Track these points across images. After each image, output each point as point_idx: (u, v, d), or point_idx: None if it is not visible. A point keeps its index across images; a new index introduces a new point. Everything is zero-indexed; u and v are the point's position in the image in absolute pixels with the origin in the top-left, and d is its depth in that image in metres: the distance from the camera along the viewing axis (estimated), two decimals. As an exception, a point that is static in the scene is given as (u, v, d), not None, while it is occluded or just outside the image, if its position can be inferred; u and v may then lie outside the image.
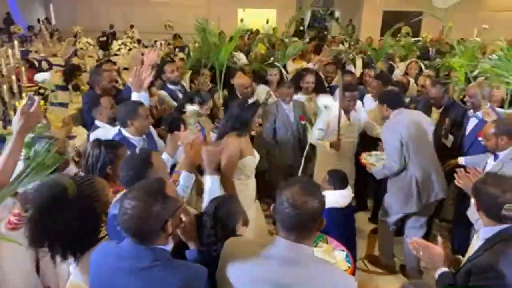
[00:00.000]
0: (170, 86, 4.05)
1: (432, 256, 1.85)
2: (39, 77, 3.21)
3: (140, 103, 2.81)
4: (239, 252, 1.53)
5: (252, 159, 2.82)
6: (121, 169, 1.85)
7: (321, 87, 4.54)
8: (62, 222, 1.72)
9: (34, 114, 1.90)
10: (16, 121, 1.86)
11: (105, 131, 2.94)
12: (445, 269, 1.81)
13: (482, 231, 1.79)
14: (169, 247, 1.50)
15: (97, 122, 3.11)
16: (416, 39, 8.59)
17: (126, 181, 1.84)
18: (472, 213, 2.17)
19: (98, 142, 2.33)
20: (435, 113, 3.88)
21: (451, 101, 3.79)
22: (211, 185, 2.14)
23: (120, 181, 1.92)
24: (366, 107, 4.23)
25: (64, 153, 2.45)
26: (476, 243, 1.86)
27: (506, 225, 1.69)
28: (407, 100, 4.20)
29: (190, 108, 3.04)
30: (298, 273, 1.39)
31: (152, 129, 2.98)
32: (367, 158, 3.46)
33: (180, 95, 4.06)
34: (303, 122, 4.01)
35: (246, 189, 2.87)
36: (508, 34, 10.99)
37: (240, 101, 2.86)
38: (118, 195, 1.82)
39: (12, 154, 1.85)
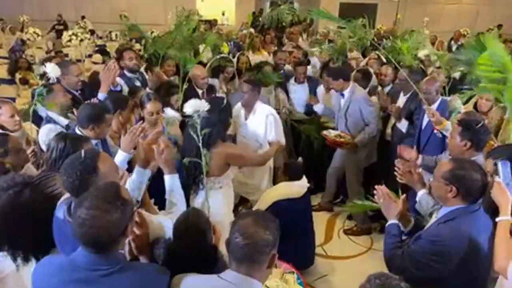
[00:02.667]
0: (128, 74, 3.92)
1: (389, 208, 2.06)
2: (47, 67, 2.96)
3: (107, 110, 2.67)
4: None
5: None
6: (62, 173, 1.60)
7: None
8: (20, 224, 1.65)
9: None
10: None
11: (57, 126, 2.78)
12: (395, 221, 2.04)
13: (442, 210, 1.93)
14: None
15: (50, 113, 2.87)
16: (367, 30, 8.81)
17: (68, 189, 1.61)
18: (421, 206, 2.25)
19: (63, 135, 2.22)
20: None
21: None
22: (173, 186, 2.04)
23: (63, 187, 1.70)
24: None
25: (19, 151, 2.27)
26: (432, 221, 2.02)
27: (461, 205, 1.84)
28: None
29: (170, 113, 2.59)
30: None
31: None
32: (330, 134, 3.84)
33: (138, 84, 3.96)
34: None
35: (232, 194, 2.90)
36: (454, 25, 11.63)
37: (212, 107, 2.53)
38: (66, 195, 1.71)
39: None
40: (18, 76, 6.17)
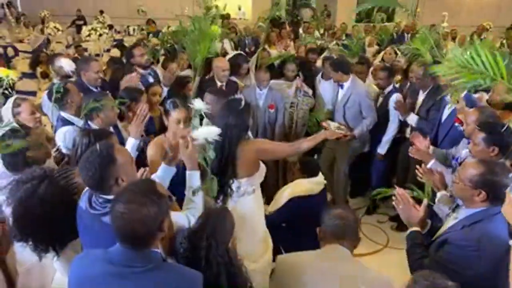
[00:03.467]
0: (141, 71, 3.89)
1: (410, 214, 1.98)
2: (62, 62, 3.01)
3: (104, 94, 2.71)
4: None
5: None
6: (80, 169, 1.63)
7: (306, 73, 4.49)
8: (39, 216, 1.70)
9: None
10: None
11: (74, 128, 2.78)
12: (417, 229, 1.96)
13: (464, 212, 1.87)
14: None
15: (63, 114, 2.84)
16: (389, 23, 8.69)
17: (89, 183, 1.63)
18: (439, 207, 2.20)
19: (87, 131, 2.29)
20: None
21: (436, 84, 3.63)
22: (193, 183, 2.00)
23: (84, 183, 1.70)
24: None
25: (41, 145, 2.29)
26: (450, 222, 1.95)
27: (485, 207, 1.79)
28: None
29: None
30: None
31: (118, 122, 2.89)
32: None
33: (151, 80, 3.96)
34: (271, 110, 4.01)
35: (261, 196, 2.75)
36: (476, 19, 11.32)
37: (229, 109, 2.50)
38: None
39: None
40: (39, 70, 6.31)
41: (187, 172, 2.00)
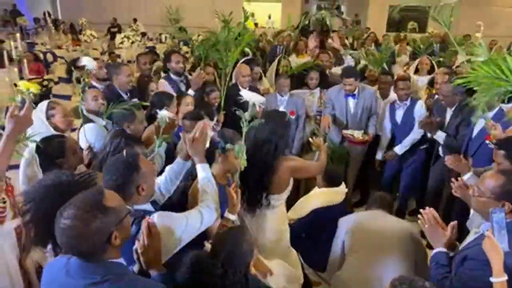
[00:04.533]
0: (174, 77, 4.03)
1: (436, 235, 1.87)
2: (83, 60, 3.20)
3: (138, 107, 2.81)
4: None
5: None
6: (104, 173, 1.67)
7: (325, 83, 4.51)
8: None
9: (24, 118, 1.85)
10: (6, 124, 1.82)
11: (98, 125, 2.89)
12: (444, 250, 1.86)
13: (484, 226, 1.79)
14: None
15: (85, 113, 2.99)
16: (422, 34, 8.49)
17: (110, 188, 1.61)
18: (471, 223, 2.13)
19: (120, 132, 2.38)
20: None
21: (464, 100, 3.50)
22: (205, 174, 1.93)
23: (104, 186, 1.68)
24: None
25: (75, 152, 2.37)
26: (470, 237, 1.89)
27: (508, 220, 1.69)
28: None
29: (163, 113, 2.36)
30: None
31: None
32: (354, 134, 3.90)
33: (183, 87, 4.08)
34: (292, 117, 3.99)
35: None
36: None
37: (275, 119, 2.46)
38: None
39: (1, 157, 1.82)
40: (74, 75, 6.57)
41: (197, 166, 1.94)
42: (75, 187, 1.67)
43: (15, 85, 3.85)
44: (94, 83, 3.80)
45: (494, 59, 1.79)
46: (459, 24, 12.61)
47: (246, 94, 2.11)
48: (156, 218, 1.64)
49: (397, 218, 2.71)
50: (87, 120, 2.93)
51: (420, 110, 3.89)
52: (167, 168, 2.07)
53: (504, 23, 13.20)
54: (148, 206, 1.78)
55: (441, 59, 5.61)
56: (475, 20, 10.16)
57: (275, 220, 2.54)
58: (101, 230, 1.29)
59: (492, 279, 1.54)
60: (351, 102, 4.07)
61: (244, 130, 2.09)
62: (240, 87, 3.97)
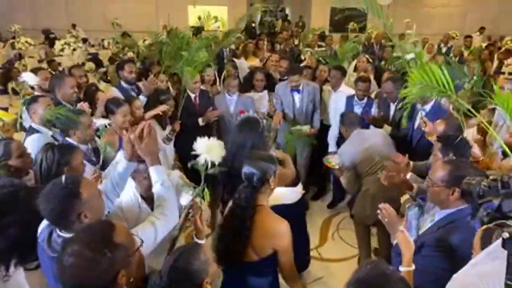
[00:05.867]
0: (125, 85, 4.01)
1: (395, 227, 1.97)
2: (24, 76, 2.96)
3: (80, 112, 2.70)
4: None
5: None
6: (41, 200, 1.50)
7: (271, 84, 4.65)
8: (11, 224, 1.65)
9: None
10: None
11: (43, 136, 2.76)
12: None
13: (438, 214, 1.94)
14: None
15: (33, 125, 2.85)
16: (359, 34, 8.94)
17: (48, 218, 1.52)
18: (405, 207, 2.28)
19: (50, 145, 2.23)
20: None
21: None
22: (158, 177, 1.82)
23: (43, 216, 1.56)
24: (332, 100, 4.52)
25: (23, 155, 2.26)
26: (426, 225, 2.01)
27: (459, 207, 1.86)
28: (372, 95, 4.44)
29: (99, 121, 2.42)
30: None
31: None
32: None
33: (134, 95, 4.01)
34: (242, 115, 4.10)
35: None
36: (445, 28, 11.77)
37: (251, 128, 2.45)
38: None
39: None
40: (10, 86, 6.17)
41: (149, 169, 1.82)
42: (29, 194, 1.59)
43: None
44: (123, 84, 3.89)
45: (424, 68, 2.01)
46: (394, 24, 13.45)
47: (200, 148, 1.84)
48: None
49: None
50: (33, 132, 2.78)
51: (374, 111, 4.14)
52: (110, 170, 1.98)
53: (435, 22, 14.26)
54: None
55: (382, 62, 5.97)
56: (409, 20, 10.91)
57: None
58: (107, 268, 1.18)
59: (401, 268, 1.69)
60: (297, 97, 4.31)
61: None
62: (190, 93, 3.99)
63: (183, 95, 3.92)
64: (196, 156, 1.82)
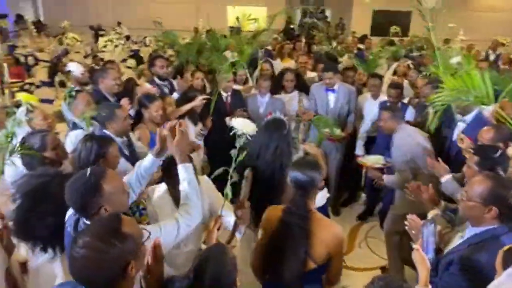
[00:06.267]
0: (158, 81, 4.08)
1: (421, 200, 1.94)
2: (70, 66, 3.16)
3: (117, 106, 2.81)
4: None
5: None
6: (66, 192, 1.56)
7: (302, 86, 4.60)
8: (44, 211, 1.74)
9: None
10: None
11: (85, 132, 2.88)
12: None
13: (469, 231, 1.83)
14: None
15: (75, 120, 3.02)
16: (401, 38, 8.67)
17: (72, 207, 1.59)
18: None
19: (89, 136, 2.34)
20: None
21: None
22: (187, 175, 1.83)
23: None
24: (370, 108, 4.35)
25: (57, 147, 2.39)
26: (456, 241, 1.91)
27: (493, 226, 1.75)
28: (405, 100, 4.29)
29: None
30: None
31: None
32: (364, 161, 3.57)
33: (167, 91, 4.10)
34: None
35: None
36: (493, 33, 11.20)
37: (277, 129, 2.42)
38: None
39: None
40: (57, 79, 6.51)
41: (178, 166, 1.84)
42: (62, 181, 1.66)
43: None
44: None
45: (461, 75, 1.90)
46: (438, 29, 12.94)
47: (237, 124, 1.94)
48: None
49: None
50: (75, 127, 2.92)
51: (410, 116, 3.98)
52: (137, 163, 2.01)
53: (482, 27, 13.57)
54: None
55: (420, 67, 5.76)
56: (454, 24, 10.44)
57: None
58: (117, 260, 1.19)
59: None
60: (331, 96, 4.18)
61: (233, 165, 1.93)
62: (222, 92, 4.03)
63: (215, 93, 3.95)
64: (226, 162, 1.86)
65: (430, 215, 2.15)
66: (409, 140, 3.20)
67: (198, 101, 3.55)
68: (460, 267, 1.71)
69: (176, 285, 1.48)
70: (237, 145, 1.90)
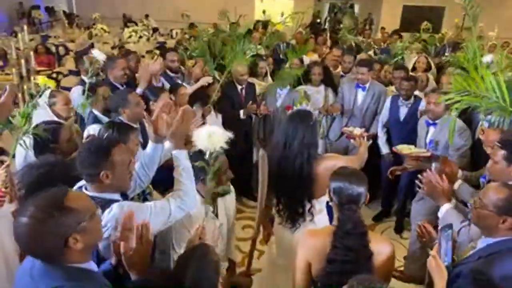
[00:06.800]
0: (170, 74, 4.11)
1: (436, 192, 1.86)
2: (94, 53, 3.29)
3: (129, 91, 2.82)
4: None
5: None
6: (81, 149, 1.64)
7: (328, 80, 4.51)
8: None
9: (3, 104, 1.86)
10: None
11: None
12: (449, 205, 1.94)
13: (481, 242, 1.73)
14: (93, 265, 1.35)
15: (94, 111, 3.05)
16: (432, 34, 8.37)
17: (81, 167, 1.62)
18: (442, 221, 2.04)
19: (111, 123, 2.39)
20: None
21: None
22: (181, 162, 1.79)
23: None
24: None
25: (70, 139, 2.44)
26: (467, 252, 1.81)
27: (507, 237, 1.65)
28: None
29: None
30: None
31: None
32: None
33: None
34: (287, 112, 3.99)
35: None
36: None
37: (302, 122, 2.33)
38: None
39: None
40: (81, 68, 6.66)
41: (173, 152, 1.81)
42: (62, 170, 1.70)
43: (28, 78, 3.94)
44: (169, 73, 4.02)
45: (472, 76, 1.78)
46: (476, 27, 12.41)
47: (200, 140, 1.91)
48: (115, 208, 1.57)
49: None
50: (95, 120, 2.95)
51: (421, 125, 3.66)
52: (141, 153, 2.02)
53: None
54: (115, 196, 1.68)
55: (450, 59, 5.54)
56: (489, 22, 10.00)
57: (322, 224, 2.42)
58: (56, 231, 1.20)
59: None
60: (360, 94, 4.08)
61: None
62: (237, 84, 4.03)
63: (225, 76, 3.93)
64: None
65: (443, 209, 2.04)
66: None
67: (202, 81, 3.54)
68: (470, 280, 1.60)
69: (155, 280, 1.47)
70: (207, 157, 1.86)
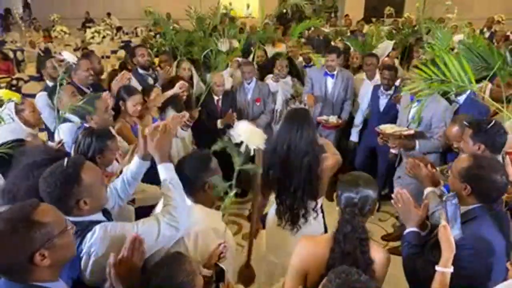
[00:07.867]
0: (140, 71, 3.94)
1: (409, 214, 1.82)
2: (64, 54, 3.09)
3: (97, 97, 2.70)
4: None
5: None
6: (39, 183, 1.47)
7: (294, 70, 4.56)
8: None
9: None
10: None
11: (75, 125, 2.79)
12: (416, 229, 1.81)
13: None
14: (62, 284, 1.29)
15: (65, 114, 2.82)
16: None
17: (47, 201, 1.44)
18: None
19: (90, 131, 2.30)
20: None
21: None
22: (167, 175, 1.67)
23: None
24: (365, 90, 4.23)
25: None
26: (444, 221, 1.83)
27: (476, 205, 1.73)
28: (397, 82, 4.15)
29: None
30: None
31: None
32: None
33: (151, 81, 3.99)
34: (257, 104, 4.11)
35: None
36: (489, 11, 11.04)
37: (303, 119, 2.26)
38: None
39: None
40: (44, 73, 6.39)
41: (158, 166, 1.69)
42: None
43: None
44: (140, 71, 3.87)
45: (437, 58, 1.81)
46: (435, 7, 12.77)
47: (241, 132, 1.60)
48: (98, 230, 1.46)
49: None
50: (65, 120, 2.80)
51: (405, 100, 3.67)
52: (124, 169, 1.91)
53: (478, 5, 13.37)
54: (96, 216, 1.57)
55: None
56: (449, 2, 10.30)
57: (319, 224, 2.42)
58: (20, 246, 1.15)
59: (437, 268, 1.54)
60: (330, 81, 4.12)
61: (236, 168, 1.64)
62: (214, 96, 3.98)
63: (206, 87, 3.87)
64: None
65: (426, 192, 2.09)
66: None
67: (177, 88, 3.46)
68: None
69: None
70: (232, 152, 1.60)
